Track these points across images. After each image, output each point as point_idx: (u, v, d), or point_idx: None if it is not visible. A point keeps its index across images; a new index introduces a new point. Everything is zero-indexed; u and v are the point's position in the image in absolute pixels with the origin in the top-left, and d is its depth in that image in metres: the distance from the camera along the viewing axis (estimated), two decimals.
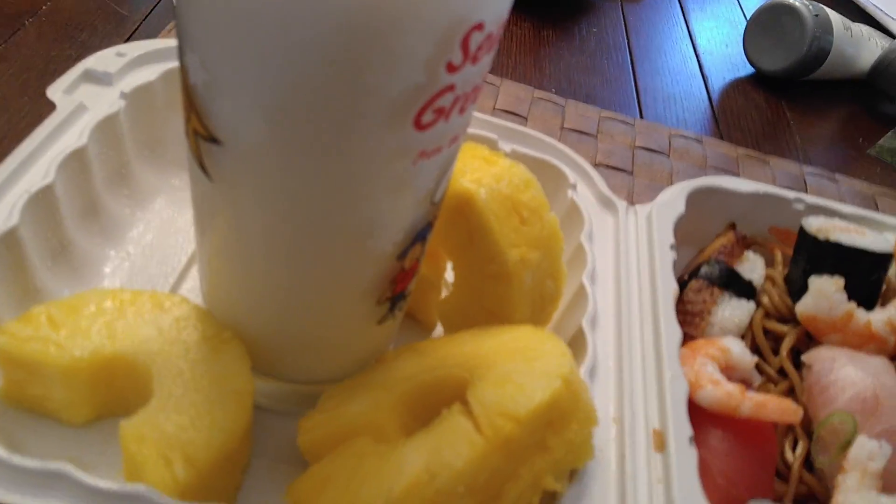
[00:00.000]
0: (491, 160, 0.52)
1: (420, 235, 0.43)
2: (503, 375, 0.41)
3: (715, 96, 1.03)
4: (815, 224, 0.60)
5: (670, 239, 0.58)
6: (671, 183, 0.73)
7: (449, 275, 0.56)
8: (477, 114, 0.65)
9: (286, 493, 0.40)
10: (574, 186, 0.62)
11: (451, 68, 0.33)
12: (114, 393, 0.43)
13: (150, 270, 0.54)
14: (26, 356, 0.41)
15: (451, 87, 0.34)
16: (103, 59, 0.58)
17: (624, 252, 0.58)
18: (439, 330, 0.56)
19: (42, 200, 0.48)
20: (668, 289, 0.54)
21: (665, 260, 0.56)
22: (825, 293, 0.55)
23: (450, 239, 0.51)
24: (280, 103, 0.33)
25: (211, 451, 0.39)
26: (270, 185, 0.37)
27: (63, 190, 0.50)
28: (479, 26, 0.33)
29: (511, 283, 0.49)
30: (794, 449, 0.51)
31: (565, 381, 0.40)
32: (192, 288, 0.54)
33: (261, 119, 0.34)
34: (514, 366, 0.42)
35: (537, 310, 0.52)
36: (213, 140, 0.37)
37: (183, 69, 0.37)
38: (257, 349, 0.45)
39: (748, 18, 1.09)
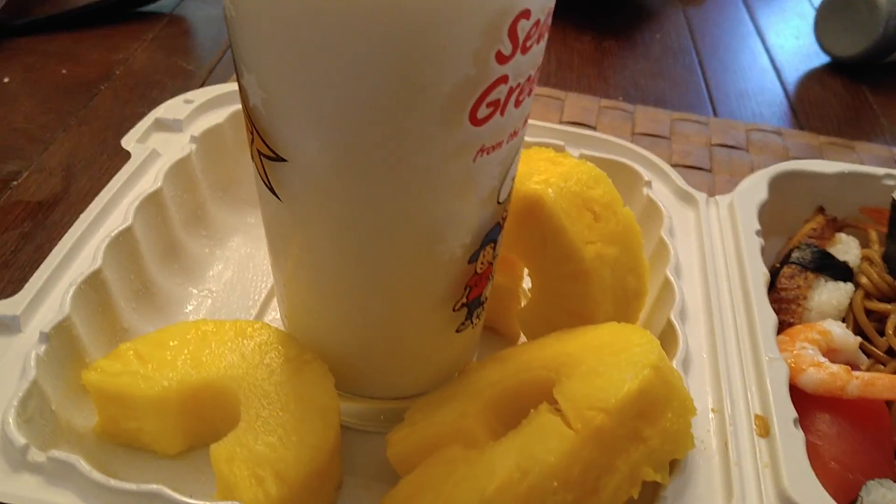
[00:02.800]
0: (557, 161, 0.52)
1: (489, 238, 0.42)
2: (590, 370, 0.40)
3: (790, 88, 1.00)
4: None
5: (755, 225, 0.56)
6: None
7: (526, 283, 0.55)
8: (542, 122, 0.65)
9: None
10: (649, 184, 0.61)
11: (502, 58, 0.33)
12: (204, 421, 0.44)
13: (231, 306, 0.55)
14: (117, 391, 0.42)
15: (503, 79, 0.34)
16: (172, 108, 0.60)
17: (708, 243, 0.56)
18: (522, 340, 0.55)
19: (123, 243, 0.50)
20: (758, 273, 0.52)
21: (752, 245, 0.54)
22: None
23: (523, 244, 0.51)
24: (337, 111, 0.33)
25: (301, 467, 0.39)
26: (336, 196, 0.37)
27: (142, 232, 0.52)
28: (526, 14, 0.33)
29: (590, 281, 0.48)
30: None
31: (654, 368, 0.38)
32: (273, 319, 0.54)
33: (320, 129, 0.35)
34: (600, 360, 0.41)
35: (621, 307, 0.50)
36: (277, 158, 0.37)
37: (242, 91, 0.38)
38: (341, 368, 0.45)
39: (818, 6, 1.05)
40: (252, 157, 0.40)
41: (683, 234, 0.57)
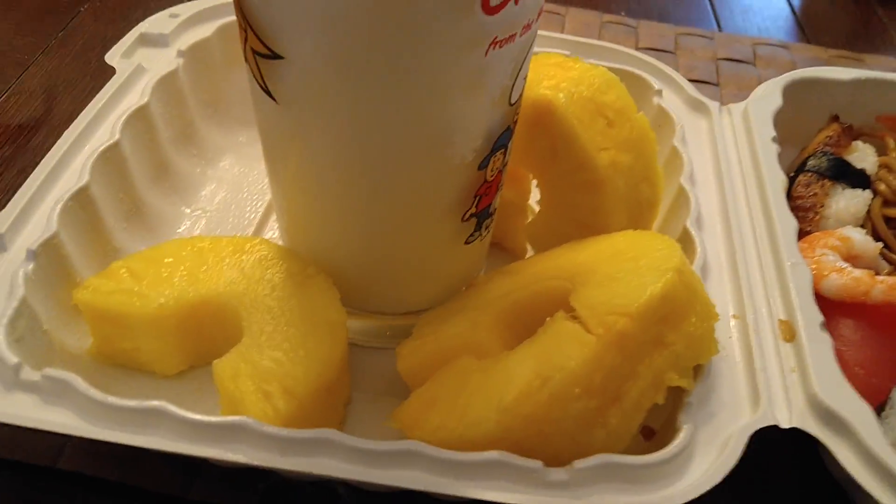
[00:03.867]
0: (566, 65, 0.49)
1: (500, 143, 0.40)
2: (607, 277, 0.38)
3: (796, 2, 0.97)
4: None
5: (771, 132, 0.54)
6: None
7: (534, 197, 0.53)
8: (546, 32, 0.62)
9: (391, 418, 0.38)
10: (660, 93, 0.58)
11: None
12: (204, 339, 0.42)
13: (226, 225, 0.53)
14: (111, 309, 0.40)
15: None
16: (158, 22, 0.57)
17: (722, 151, 0.54)
18: (530, 255, 0.53)
19: (110, 159, 0.47)
20: (776, 179, 0.50)
21: (768, 151, 0.52)
22: None
23: (532, 154, 0.48)
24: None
25: (310, 381, 0.37)
26: (336, 95, 0.34)
27: (130, 149, 0.49)
28: None
29: (604, 190, 0.46)
30: None
31: (678, 271, 0.36)
32: (272, 239, 0.52)
33: (318, 19, 0.32)
34: (618, 266, 0.39)
35: (635, 217, 0.48)
36: (273, 55, 0.34)
37: None
38: (345, 283, 0.43)
39: None
40: (246, 59, 0.37)
41: (696, 142, 0.55)
